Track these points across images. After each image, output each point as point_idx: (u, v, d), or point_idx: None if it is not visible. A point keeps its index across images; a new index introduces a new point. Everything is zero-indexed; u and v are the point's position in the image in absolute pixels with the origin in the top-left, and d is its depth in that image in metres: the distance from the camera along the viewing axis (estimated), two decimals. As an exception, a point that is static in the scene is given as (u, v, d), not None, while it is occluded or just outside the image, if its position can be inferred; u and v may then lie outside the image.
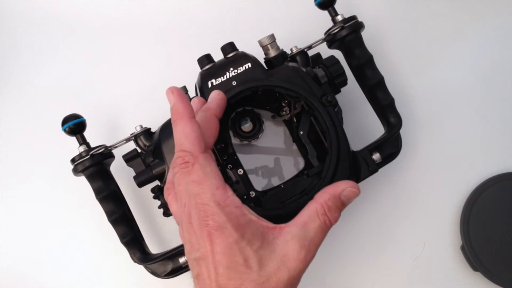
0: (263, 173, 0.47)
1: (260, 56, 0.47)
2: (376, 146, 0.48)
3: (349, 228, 0.54)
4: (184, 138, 0.33)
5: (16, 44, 0.61)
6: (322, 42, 0.51)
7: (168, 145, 0.45)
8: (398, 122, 0.49)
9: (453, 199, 0.55)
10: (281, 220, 0.43)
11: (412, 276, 0.54)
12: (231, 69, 0.45)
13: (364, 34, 0.51)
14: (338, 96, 0.47)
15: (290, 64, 0.47)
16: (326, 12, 0.51)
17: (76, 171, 0.48)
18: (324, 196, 0.36)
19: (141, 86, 0.58)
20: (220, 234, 0.32)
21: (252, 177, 0.47)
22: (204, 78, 0.45)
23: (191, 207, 0.33)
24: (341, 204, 0.36)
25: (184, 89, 0.46)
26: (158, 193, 0.47)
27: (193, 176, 0.33)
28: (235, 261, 0.31)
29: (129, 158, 0.47)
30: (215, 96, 0.40)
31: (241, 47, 0.47)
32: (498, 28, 0.59)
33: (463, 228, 0.53)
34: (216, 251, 0.32)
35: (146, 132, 0.49)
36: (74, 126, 0.48)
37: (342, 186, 0.36)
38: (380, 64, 0.51)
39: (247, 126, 0.47)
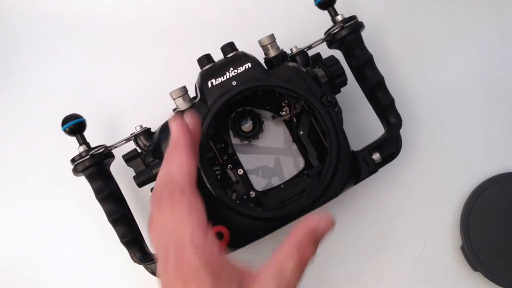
0: (263, 173, 0.47)
1: (260, 56, 0.47)
2: (376, 146, 0.48)
3: (349, 228, 0.54)
4: (177, 169, 0.32)
5: (16, 44, 0.61)
6: (322, 42, 0.51)
7: (168, 145, 0.45)
8: (398, 122, 0.50)
9: (453, 199, 0.55)
10: (281, 220, 0.44)
11: (412, 276, 0.54)
12: (231, 69, 0.45)
13: (364, 34, 0.51)
14: (338, 96, 0.47)
15: (290, 64, 0.47)
16: (326, 12, 0.51)
17: (76, 171, 0.48)
18: (297, 233, 0.33)
19: (141, 86, 0.58)
20: (194, 278, 0.30)
21: (252, 177, 0.47)
22: (204, 78, 0.45)
23: (169, 245, 0.31)
24: (316, 237, 0.33)
25: (184, 89, 0.46)
26: (158, 193, 0.47)
27: (176, 212, 0.32)
28: None
29: (129, 158, 0.47)
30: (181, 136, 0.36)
31: (241, 47, 0.47)
32: (499, 28, 0.59)
33: (463, 228, 0.53)
34: None
35: (146, 132, 0.49)
36: (74, 126, 0.48)
37: (314, 221, 0.33)
38: (380, 64, 0.51)
39: (247, 126, 0.47)
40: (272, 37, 0.48)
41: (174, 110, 0.48)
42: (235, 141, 0.48)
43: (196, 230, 0.31)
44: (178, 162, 0.32)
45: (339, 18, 0.51)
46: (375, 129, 0.51)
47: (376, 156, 0.47)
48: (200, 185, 0.35)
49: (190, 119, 0.37)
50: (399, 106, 0.50)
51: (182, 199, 0.32)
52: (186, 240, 0.31)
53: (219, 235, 0.41)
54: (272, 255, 0.32)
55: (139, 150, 0.48)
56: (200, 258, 0.30)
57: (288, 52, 0.50)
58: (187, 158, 0.32)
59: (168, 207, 0.32)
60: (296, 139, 0.48)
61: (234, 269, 0.31)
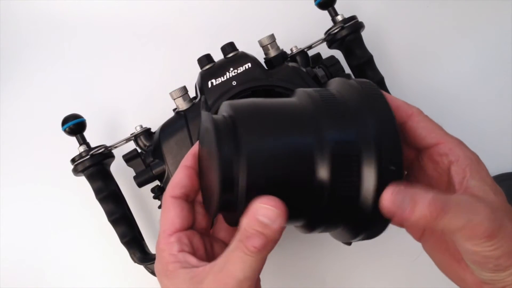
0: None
1: (260, 56, 0.47)
2: (376, 146, 0.48)
3: (349, 228, 0.54)
4: (171, 180, 0.34)
5: (16, 44, 0.61)
6: (322, 42, 0.51)
7: (168, 145, 0.45)
8: (398, 122, 0.50)
9: (453, 199, 0.55)
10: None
11: (412, 276, 0.54)
12: (231, 69, 0.45)
13: (364, 34, 0.51)
14: (338, 96, 0.47)
15: (290, 64, 0.47)
16: (326, 12, 0.51)
17: (76, 171, 0.48)
18: (243, 220, 0.28)
19: (141, 86, 0.58)
20: (158, 276, 0.33)
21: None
22: (204, 78, 0.45)
23: None
24: (261, 226, 0.27)
25: (184, 89, 0.46)
26: (158, 193, 0.47)
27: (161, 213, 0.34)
28: None
29: (129, 158, 0.47)
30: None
31: (241, 47, 0.47)
32: (499, 28, 0.59)
33: (463, 228, 0.53)
34: None
35: (146, 132, 0.49)
36: (74, 126, 0.48)
37: (255, 205, 0.27)
38: (380, 64, 0.51)
39: (247, 126, 0.47)
40: (272, 37, 0.48)
41: (174, 110, 0.48)
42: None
43: (161, 233, 0.32)
44: (174, 175, 0.34)
45: (339, 18, 0.51)
46: (375, 129, 0.51)
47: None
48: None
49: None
50: (399, 106, 0.50)
51: (163, 203, 0.33)
52: (158, 239, 0.33)
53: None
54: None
55: (139, 150, 0.48)
56: (159, 259, 0.32)
57: (288, 52, 0.50)
58: (179, 174, 0.33)
59: None
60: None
61: (186, 271, 0.31)
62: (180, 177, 0.33)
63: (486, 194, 0.29)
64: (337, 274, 0.54)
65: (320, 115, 0.29)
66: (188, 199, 0.33)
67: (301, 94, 0.32)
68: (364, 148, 0.28)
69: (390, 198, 0.27)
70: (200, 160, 0.33)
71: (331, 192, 0.28)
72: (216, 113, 0.43)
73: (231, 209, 0.29)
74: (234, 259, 0.28)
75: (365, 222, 0.30)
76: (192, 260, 0.31)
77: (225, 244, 0.35)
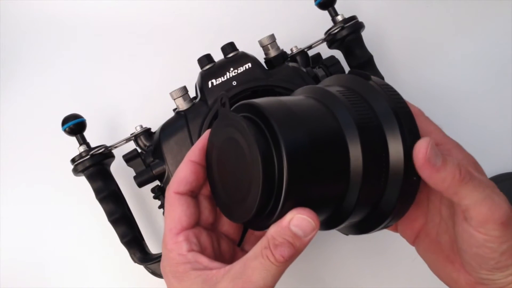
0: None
1: (260, 56, 0.47)
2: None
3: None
4: (174, 175, 0.33)
5: (16, 44, 0.61)
6: (322, 42, 0.51)
7: (168, 145, 0.45)
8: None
9: (453, 199, 0.55)
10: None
11: (412, 276, 0.54)
12: (231, 69, 0.45)
13: (364, 34, 0.51)
14: (338, 96, 0.47)
15: (290, 64, 0.47)
16: (326, 12, 0.51)
17: (76, 171, 0.48)
18: (272, 228, 0.28)
19: (141, 86, 0.58)
20: (165, 277, 0.31)
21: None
22: (204, 78, 0.45)
23: None
24: (293, 237, 0.27)
25: (184, 89, 0.46)
26: (158, 193, 0.47)
27: (165, 209, 0.33)
28: None
29: (129, 158, 0.47)
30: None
31: (241, 47, 0.47)
32: (499, 28, 0.59)
33: (463, 228, 0.53)
34: None
35: (146, 132, 0.49)
36: (74, 126, 0.48)
37: (290, 214, 0.27)
38: (380, 64, 0.51)
39: (247, 126, 0.47)
40: (272, 37, 0.48)
41: (174, 110, 0.48)
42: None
43: (168, 232, 0.31)
44: (177, 170, 0.33)
45: (339, 18, 0.51)
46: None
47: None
48: None
49: (205, 136, 0.35)
50: (399, 106, 0.50)
51: (166, 203, 0.32)
52: (164, 238, 0.32)
53: None
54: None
55: (139, 150, 0.48)
56: (166, 260, 0.31)
57: (288, 52, 0.50)
58: (183, 169, 0.32)
59: None
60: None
61: (198, 273, 0.30)
62: (186, 172, 0.32)
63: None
64: (337, 274, 0.54)
65: (335, 105, 0.29)
66: (192, 195, 0.32)
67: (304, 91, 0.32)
68: (385, 122, 0.29)
69: (424, 149, 0.28)
70: (216, 163, 0.32)
71: (364, 171, 0.28)
72: (216, 113, 0.43)
73: (263, 213, 0.28)
74: (257, 266, 0.28)
75: (393, 203, 0.29)
76: (203, 260, 0.30)
77: (230, 240, 0.34)
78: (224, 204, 0.31)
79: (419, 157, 0.28)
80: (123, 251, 0.48)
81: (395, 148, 0.29)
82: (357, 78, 0.32)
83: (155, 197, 0.48)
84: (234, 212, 0.30)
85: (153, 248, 0.51)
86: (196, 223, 0.32)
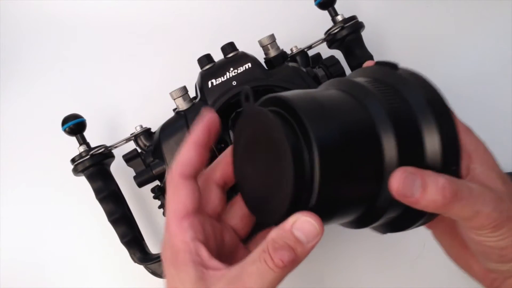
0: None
1: (260, 56, 0.47)
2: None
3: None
4: (177, 159, 0.32)
5: (16, 44, 0.61)
6: (322, 42, 0.51)
7: (168, 145, 0.45)
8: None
9: (453, 199, 0.55)
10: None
11: (412, 276, 0.54)
12: (231, 69, 0.45)
13: (364, 34, 0.51)
14: (338, 96, 0.47)
15: (290, 64, 0.47)
16: (326, 12, 0.51)
17: (76, 171, 0.48)
18: (273, 231, 0.27)
19: (141, 86, 0.58)
20: (164, 262, 0.31)
21: (252, 177, 0.47)
22: (204, 78, 0.45)
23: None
24: (294, 241, 0.26)
25: (184, 89, 0.46)
26: (158, 193, 0.47)
27: (166, 196, 0.31)
28: None
29: (129, 158, 0.47)
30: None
31: (241, 47, 0.47)
32: (499, 28, 0.59)
33: (463, 228, 0.53)
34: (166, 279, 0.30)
35: (146, 132, 0.49)
36: (74, 126, 0.48)
37: (294, 217, 0.26)
38: (380, 64, 0.51)
39: (247, 126, 0.47)
40: (272, 37, 0.48)
41: (174, 110, 0.48)
42: (235, 141, 0.48)
43: (171, 216, 0.30)
44: (180, 153, 0.31)
45: (339, 18, 0.51)
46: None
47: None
48: None
49: (208, 116, 0.33)
50: (399, 106, 0.50)
51: (170, 185, 0.31)
52: (167, 223, 0.31)
53: None
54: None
55: (139, 150, 0.48)
56: (168, 245, 0.30)
57: (288, 52, 0.50)
58: (188, 151, 0.31)
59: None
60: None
61: (196, 268, 0.29)
62: (190, 154, 0.31)
63: (493, 182, 0.29)
64: (337, 274, 0.54)
65: (365, 96, 0.28)
66: (195, 179, 0.31)
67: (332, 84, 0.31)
68: (419, 112, 0.28)
69: (396, 184, 0.25)
70: (242, 161, 0.30)
71: (399, 165, 0.27)
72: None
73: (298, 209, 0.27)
74: (253, 272, 0.26)
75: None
76: (204, 253, 0.29)
77: (235, 233, 0.33)
78: (252, 203, 0.30)
79: (393, 191, 0.26)
80: (123, 251, 0.48)
81: (431, 141, 0.27)
82: (383, 69, 0.30)
83: (155, 197, 0.48)
84: (263, 212, 0.29)
85: (153, 248, 0.51)
86: (198, 209, 0.31)
